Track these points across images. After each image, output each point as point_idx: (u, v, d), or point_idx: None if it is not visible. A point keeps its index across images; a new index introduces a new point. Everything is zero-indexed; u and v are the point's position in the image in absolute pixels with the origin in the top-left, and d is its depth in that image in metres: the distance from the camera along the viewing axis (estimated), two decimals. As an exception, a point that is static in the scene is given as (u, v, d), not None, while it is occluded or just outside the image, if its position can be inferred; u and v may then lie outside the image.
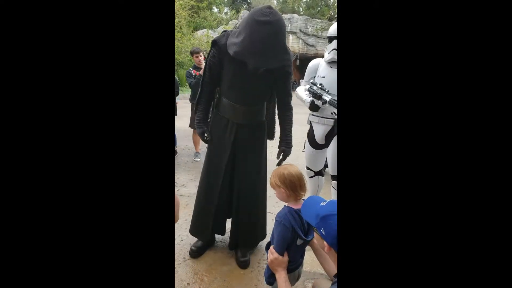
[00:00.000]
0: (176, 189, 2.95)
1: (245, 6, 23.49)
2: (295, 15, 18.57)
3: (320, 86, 2.17)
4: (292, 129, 1.94)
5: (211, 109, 1.91)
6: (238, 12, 19.86)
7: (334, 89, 2.15)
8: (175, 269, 1.81)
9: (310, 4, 23.68)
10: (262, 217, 2.00)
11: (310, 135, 2.41)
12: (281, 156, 1.93)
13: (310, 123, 2.41)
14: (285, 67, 1.67)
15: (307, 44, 18.15)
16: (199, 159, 4.00)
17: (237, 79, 1.65)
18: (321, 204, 1.05)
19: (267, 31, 1.33)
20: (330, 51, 2.20)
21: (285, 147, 1.91)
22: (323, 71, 2.29)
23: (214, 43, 1.66)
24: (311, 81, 2.30)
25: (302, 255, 1.33)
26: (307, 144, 2.50)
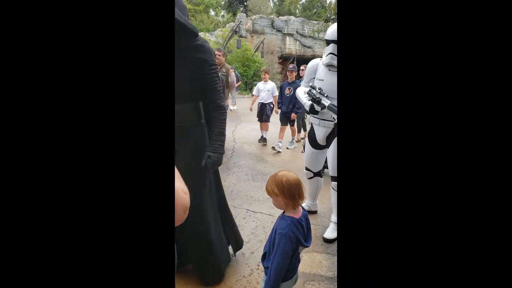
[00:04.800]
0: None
1: (241, 8, 23.54)
2: (292, 17, 18.63)
3: (319, 91, 2.16)
4: (224, 132, 1.61)
5: None
6: (235, 15, 19.90)
7: (332, 92, 2.14)
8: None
9: (307, 6, 23.78)
10: (205, 232, 1.67)
11: (311, 136, 2.42)
12: (203, 163, 1.51)
13: (311, 124, 2.42)
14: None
15: (304, 45, 18.20)
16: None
17: None
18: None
19: None
20: (327, 55, 2.19)
21: (212, 152, 1.53)
22: (321, 73, 2.27)
23: None
24: (310, 84, 2.29)
25: (299, 261, 1.33)
26: (307, 144, 2.50)
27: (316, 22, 18.29)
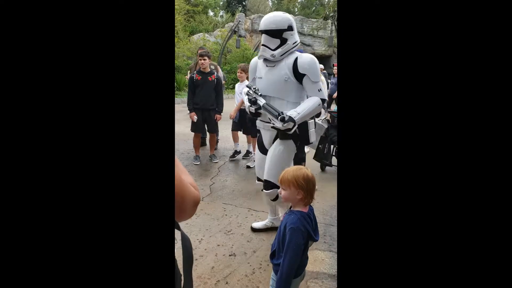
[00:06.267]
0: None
1: (240, 8, 23.56)
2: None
3: (254, 90, 1.99)
4: None
5: None
6: (233, 15, 19.91)
7: (271, 91, 2.00)
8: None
9: (305, 4, 23.79)
10: None
11: (260, 141, 2.22)
12: None
13: (259, 129, 2.19)
14: None
15: (304, 43, 18.18)
16: (198, 163, 4.01)
17: None
18: None
19: None
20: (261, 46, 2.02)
21: None
22: (261, 71, 2.08)
23: None
24: (246, 84, 2.13)
25: (307, 258, 1.32)
26: (257, 150, 2.26)
27: (315, 20, 18.29)
